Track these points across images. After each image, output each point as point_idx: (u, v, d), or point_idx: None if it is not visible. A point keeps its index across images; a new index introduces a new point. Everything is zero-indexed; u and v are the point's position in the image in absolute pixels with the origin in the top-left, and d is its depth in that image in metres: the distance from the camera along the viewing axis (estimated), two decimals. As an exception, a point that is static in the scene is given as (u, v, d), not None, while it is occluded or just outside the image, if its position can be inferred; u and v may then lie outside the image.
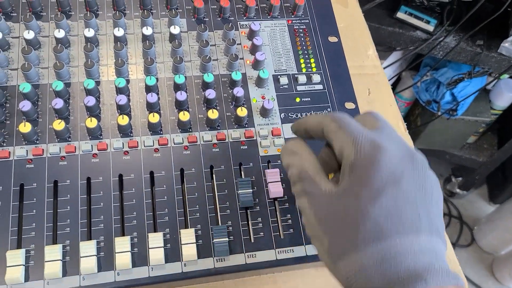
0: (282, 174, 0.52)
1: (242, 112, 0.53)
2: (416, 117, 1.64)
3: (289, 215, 0.51)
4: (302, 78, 0.58)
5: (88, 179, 0.49)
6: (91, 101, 0.51)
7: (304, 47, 0.60)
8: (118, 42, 0.54)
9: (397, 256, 0.34)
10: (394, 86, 1.59)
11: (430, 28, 1.25)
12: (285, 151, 0.44)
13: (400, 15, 1.26)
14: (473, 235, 1.82)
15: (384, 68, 1.38)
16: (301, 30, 0.62)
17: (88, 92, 0.52)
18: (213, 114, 0.52)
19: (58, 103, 0.50)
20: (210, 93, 0.54)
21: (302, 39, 0.61)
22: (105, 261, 0.46)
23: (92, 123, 0.50)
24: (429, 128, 1.58)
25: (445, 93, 1.41)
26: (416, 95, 1.52)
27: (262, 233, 0.50)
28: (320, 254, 0.39)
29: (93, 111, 0.52)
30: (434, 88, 1.45)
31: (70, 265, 0.45)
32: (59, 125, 0.49)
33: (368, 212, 0.36)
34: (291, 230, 0.50)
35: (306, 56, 0.60)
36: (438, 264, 0.35)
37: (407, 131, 0.67)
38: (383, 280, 0.34)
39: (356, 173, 0.37)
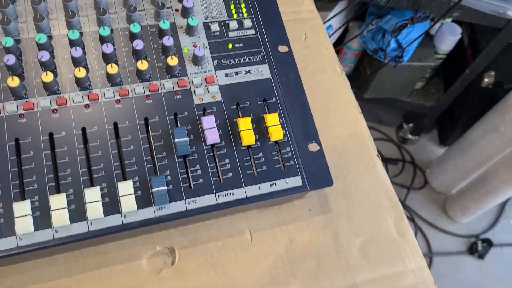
0: (218, 121, 0.52)
1: (172, 61, 0.52)
2: (365, 66, 1.66)
3: (227, 160, 0.51)
4: (233, 24, 0.57)
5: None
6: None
7: (234, -8, 0.59)
8: (35, -4, 0.52)
9: None
10: (342, 38, 1.60)
11: (371, -25, 1.26)
12: None
13: (341, -37, 1.26)
14: (426, 178, 1.90)
15: (330, 19, 1.38)
16: (229, -25, 0.60)
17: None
18: (142, 64, 0.51)
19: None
20: (138, 44, 0.52)
21: (231, -16, 0.60)
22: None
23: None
24: (378, 77, 1.61)
25: (390, 41, 1.43)
26: (364, 44, 1.53)
27: (201, 180, 0.50)
28: None
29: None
30: (380, 37, 1.46)
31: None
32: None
33: None
34: (230, 174, 0.51)
35: (236, 1, 0.59)
36: None
37: (344, 73, 0.68)
38: None
39: None
